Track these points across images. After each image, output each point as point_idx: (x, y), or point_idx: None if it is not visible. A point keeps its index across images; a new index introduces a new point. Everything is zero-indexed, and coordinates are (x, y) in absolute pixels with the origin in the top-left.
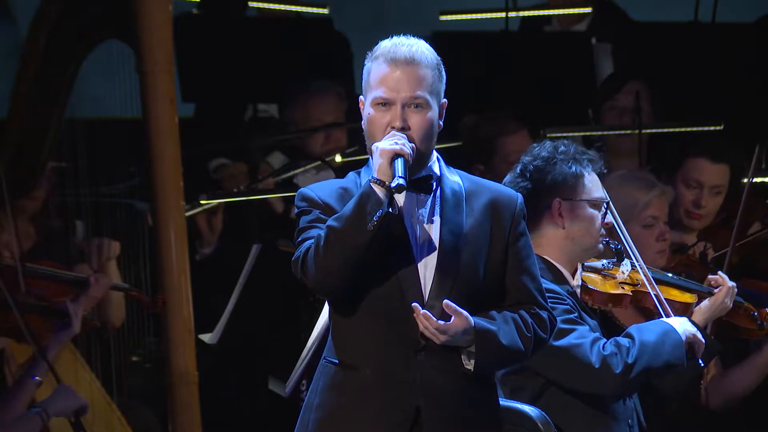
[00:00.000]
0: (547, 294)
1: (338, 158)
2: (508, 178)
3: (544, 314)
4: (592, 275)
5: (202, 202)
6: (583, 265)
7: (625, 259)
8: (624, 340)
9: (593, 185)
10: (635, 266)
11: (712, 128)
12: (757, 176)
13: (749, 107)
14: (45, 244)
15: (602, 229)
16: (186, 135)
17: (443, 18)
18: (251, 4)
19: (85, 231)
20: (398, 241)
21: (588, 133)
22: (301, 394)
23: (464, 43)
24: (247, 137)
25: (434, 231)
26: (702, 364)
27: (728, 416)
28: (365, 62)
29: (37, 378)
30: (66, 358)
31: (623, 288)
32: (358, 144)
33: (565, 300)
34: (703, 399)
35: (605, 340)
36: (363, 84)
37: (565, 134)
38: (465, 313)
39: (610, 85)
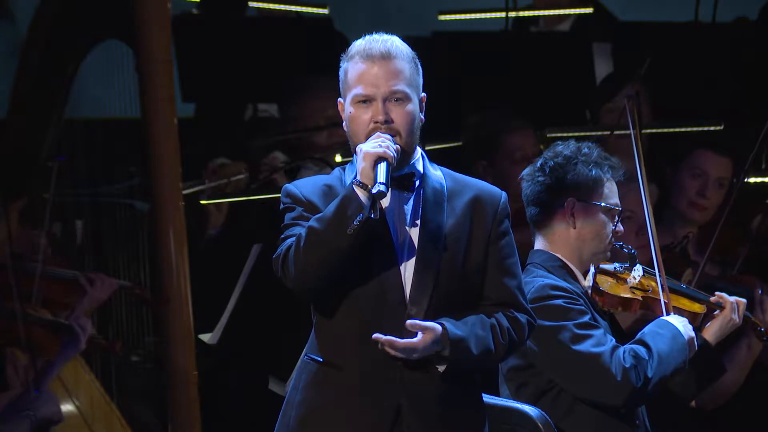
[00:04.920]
0: (561, 294)
1: (338, 158)
2: (527, 170)
3: (523, 318)
4: (604, 277)
5: (202, 202)
6: (596, 266)
7: (638, 264)
8: (641, 350)
9: (611, 192)
10: (647, 272)
11: (711, 128)
12: (757, 176)
13: (749, 107)
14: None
15: (612, 237)
16: (186, 135)
17: (442, 18)
18: (251, 4)
19: (85, 231)
20: (380, 242)
21: (587, 134)
22: None
23: (464, 43)
24: (247, 137)
25: (415, 232)
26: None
27: (720, 414)
28: (341, 64)
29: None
30: None
31: (634, 293)
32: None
33: (578, 300)
34: None
35: (623, 348)
36: (341, 85)
37: (564, 134)
38: (431, 324)
39: (608, 86)
